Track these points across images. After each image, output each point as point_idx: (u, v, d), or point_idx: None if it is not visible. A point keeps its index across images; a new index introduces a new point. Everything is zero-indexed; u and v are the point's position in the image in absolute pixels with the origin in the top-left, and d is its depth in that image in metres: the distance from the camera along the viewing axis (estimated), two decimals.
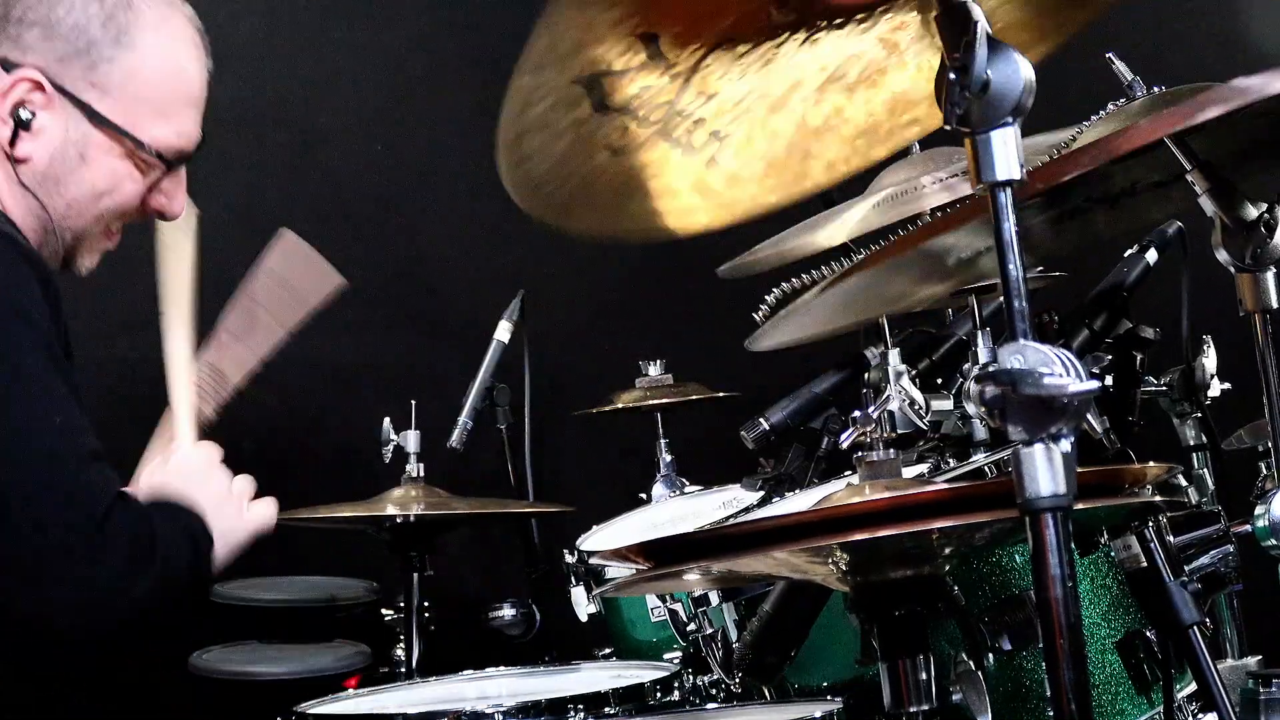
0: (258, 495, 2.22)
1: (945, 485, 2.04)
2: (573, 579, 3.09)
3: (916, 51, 1.82)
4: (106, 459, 1.98)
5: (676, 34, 1.62)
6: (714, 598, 2.41)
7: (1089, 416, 2.01)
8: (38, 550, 1.85)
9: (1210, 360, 2.76)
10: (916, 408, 2.53)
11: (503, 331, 3.85)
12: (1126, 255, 2.57)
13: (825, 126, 1.85)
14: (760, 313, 2.14)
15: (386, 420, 3.55)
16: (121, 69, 2.13)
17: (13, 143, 2.10)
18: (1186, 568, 2.15)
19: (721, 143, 1.80)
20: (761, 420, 2.79)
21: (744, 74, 1.73)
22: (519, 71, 1.59)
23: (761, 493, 2.77)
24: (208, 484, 2.14)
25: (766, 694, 2.41)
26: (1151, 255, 2.57)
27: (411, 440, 3.53)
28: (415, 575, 3.50)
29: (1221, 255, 1.81)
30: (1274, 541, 1.95)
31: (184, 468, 2.17)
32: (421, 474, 3.53)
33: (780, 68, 1.75)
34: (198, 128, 2.27)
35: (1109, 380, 2.33)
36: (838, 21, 1.71)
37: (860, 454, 1.80)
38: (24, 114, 2.10)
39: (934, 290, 2.21)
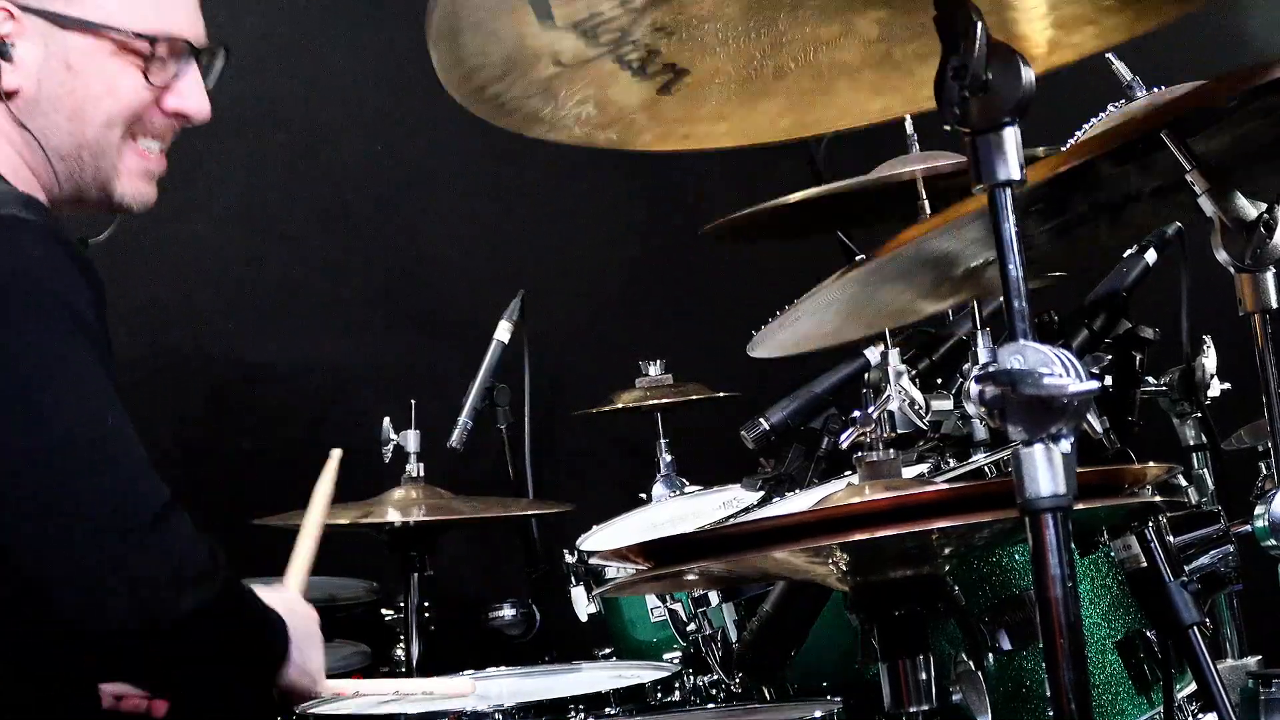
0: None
1: (945, 485, 2.04)
2: (573, 579, 3.09)
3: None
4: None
5: None
6: (714, 598, 2.41)
7: (1089, 416, 2.01)
8: (87, 551, 1.86)
9: (1210, 360, 2.76)
10: (916, 408, 2.53)
11: (503, 331, 3.85)
12: (1126, 256, 2.57)
13: (792, 78, 1.84)
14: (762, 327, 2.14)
15: (386, 420, 3.55)
16: None
17: None
18: (1186, 568, 2.15)
19: (677, 75, 1.78)
20: (761, 420, 2.79)
21: (715, 18, 1.72)
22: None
23: (761, 493, 2.77)
24: (309, 632, 2.19)
25: (766, 694, 2.41)
26: (1151, 255, 2.57)
27: (411, 440, 3.53)
28: (415, 575, 3.50)
29: (1221, 255, 1.81)
30: (1274, 541, 1.95)
31: (297, 609, 2.21)
32: (421, 474, 3.53)
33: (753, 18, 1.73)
34: (191, 19, 2.22)
35: (1109, 380, 2.33)
36: None
37: (860, 454, 1.80)
38: (2, 48, 2.07)
39: (943, 302, 2.21)
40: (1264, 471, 2.66)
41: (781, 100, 1.87)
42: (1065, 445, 1.38)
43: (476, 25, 1.63)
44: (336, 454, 2.62)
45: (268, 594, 2.18)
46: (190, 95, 2.20)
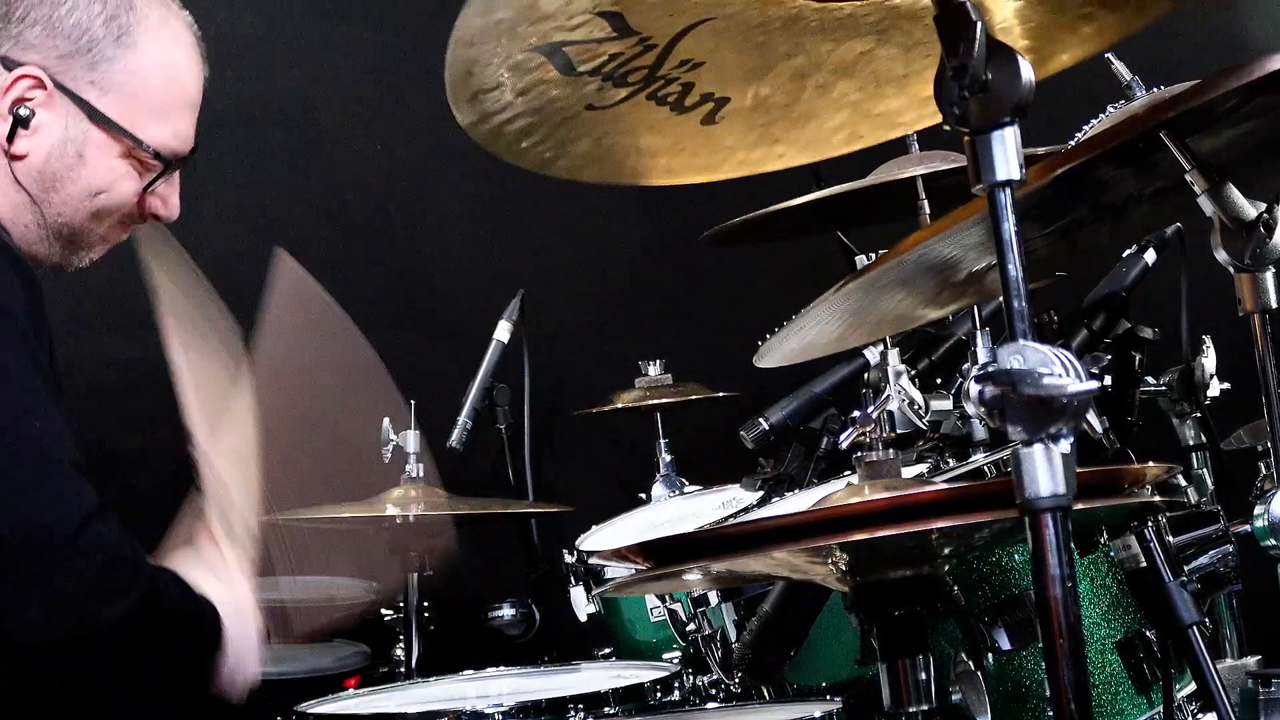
0: None
1: (945, 485, 2.04)
2: (572, 579, 3.09)
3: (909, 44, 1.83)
4: (86, 470, 1.95)
5: (647, 9, 1.62)
6: (714, 598, 2.41)
7: (1089, 416, 2.01)
8: (7, 555, 1.83)
9: (1210, 360, 2.76)
10: (916, 408, 2.53)
11: (503, 331, 3.86)
12: (1125, 256, 2.57)
13: (818, 103, 1.87)
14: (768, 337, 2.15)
15: (386, 420, 3.55)
16: (123, 68, 2.14)
17: (10, 139, 2.10)
18: (1186, 568, 2.15)
19: (718, 105, 1.82)
20: (761, 420, 2.79)
21: (736, 48, 1.74)
22: (456, 43, 1.59)
23: (761, 493, 2.77)
24: (243, 606, 2.12)
25: (766, 694, 2.41)
26: (1150, 255, 2.57)
27: (411, 440, 3.53)
28: (415, 575, 3.50)
29: (1221, 255, 1.81)
30: (1274, 541, 1.95)
31: (226, 578, 2.14)
32: (421, 474, 3.53)
33: (774, 43, 1.76)
34: (193, 132, 2.26)
35: (1109, 380, 2.33)
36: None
37: (860, 454, 1.80)
38: (23, 111, 2.10)
39: (945, 308, 2.22)
40: (1264, 471, 2.66)
41: (834, 115, 1.89)
42: (1065, 445, 1.38)
43: (496, 84, 1.65)
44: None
45: (206, 575, 2.11)
46: (169, 201, 2.25)
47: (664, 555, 1.72)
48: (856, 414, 1.80)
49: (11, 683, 1.94)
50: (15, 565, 1.84)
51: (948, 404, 2.53)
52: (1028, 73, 1.45)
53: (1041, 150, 2.56)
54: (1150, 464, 1.80)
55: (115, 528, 1.93)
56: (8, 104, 2.10)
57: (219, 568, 2.14)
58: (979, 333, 2.52)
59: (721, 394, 3.79)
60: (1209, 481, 2.93)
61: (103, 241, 2.23)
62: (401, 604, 3.56)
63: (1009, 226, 1.44)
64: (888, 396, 2.56)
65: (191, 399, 2.30)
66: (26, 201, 2.12)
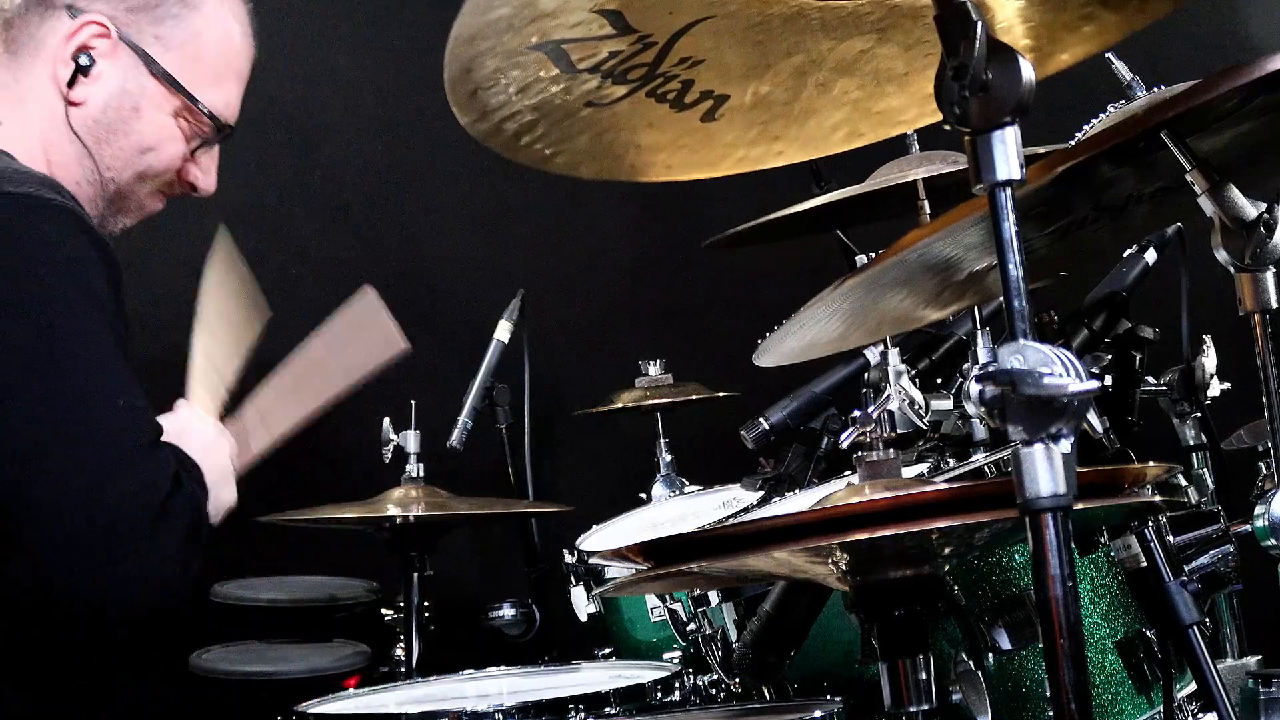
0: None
1: (945, 485, 2.04)
2: (573, 579, 3.09)
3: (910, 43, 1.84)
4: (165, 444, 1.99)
5: (647, 7, 1.63)
6: (714, 598, 2.41)
7: (1089, 416, 2.01)
8: (101, 534, 1.85)
9: (1210, 360, 2.76)
10: (916, 408, 2.53)
11: (503, 331, 3.86)
12: (1126, 255, 2.58)
13: (818, 100, 1.87)
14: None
15: (386, 420, 3.55)
16: (186, 28, 2.17)
17: (71, 85, 2.12)
18: (1186, 568, 2.15)
19: (718, 102, 1.82)
20: (761, 420, 2.79)
21: (736, 45, 1.75)
22: (455, 41, 1.59)
23: (761, 493, 2.77)
24: (215, 453, 2.16)
25: (766, 694, 2.41)
26: (1151, 255, 2.57)
27: (411, 440, 3.53)
28: (415, 575, 3.50)
29: (1221, 255, 1.81)
30: (1274, 541, 1.95)
31: (202, 432, 2.18)
32: (421, 474, 3.53)
33: (774, 41, 1.76)
34: (238, 106, 2.29)
35: (1109, 380, 2.33)
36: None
37: (860, 454, 1.80)
38: (84, 59, 2.12)
39: (946, 308, 2.22)
40: (1264, 471, 2.66)
41: (834, 113, 1.90)
42: (1065, 445, 1.38)
43: (495, 82, 1.65)
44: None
45: (174, 425, 2.13)
46: (209, 172, 2.29)
47: (664, 555, 1.72)
48: (857, 414, 1.80)
49: (11, 683, 1.95)
50: (108, 546, 1.85)
51: (948, 404, 2.54)
52: (1028, 72, 1.45)
53: (1042, 150, 2.56)
54: (1150, 464, 1.80)
55: (191, 492, 1.96)
56: (71, 50, 2.12)
57: (186, 417, 2.19)
58: (979, 333, 2.52)
59: (721, 394, 3.80)
60: (1209, 481, 2.94)
61: (139, 209, 2.24)
62: (402, 604, 3.56)
63: (1009, 226, 1.44)
64: (888, 396, 2.56)
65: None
66: (81, 153, 2.14)
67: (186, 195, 2.30)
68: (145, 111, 2.16)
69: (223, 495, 2.13)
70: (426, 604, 3.52)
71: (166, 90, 2.17)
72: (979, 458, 2.32)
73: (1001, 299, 1.47)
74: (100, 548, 1.85)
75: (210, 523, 2.07)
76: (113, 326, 1.96)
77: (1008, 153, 1.45)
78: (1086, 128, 2.50)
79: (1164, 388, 2.82)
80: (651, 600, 2.93)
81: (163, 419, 2.10)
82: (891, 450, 1.80)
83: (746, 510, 2.72)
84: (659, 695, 2.46)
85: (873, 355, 2.71)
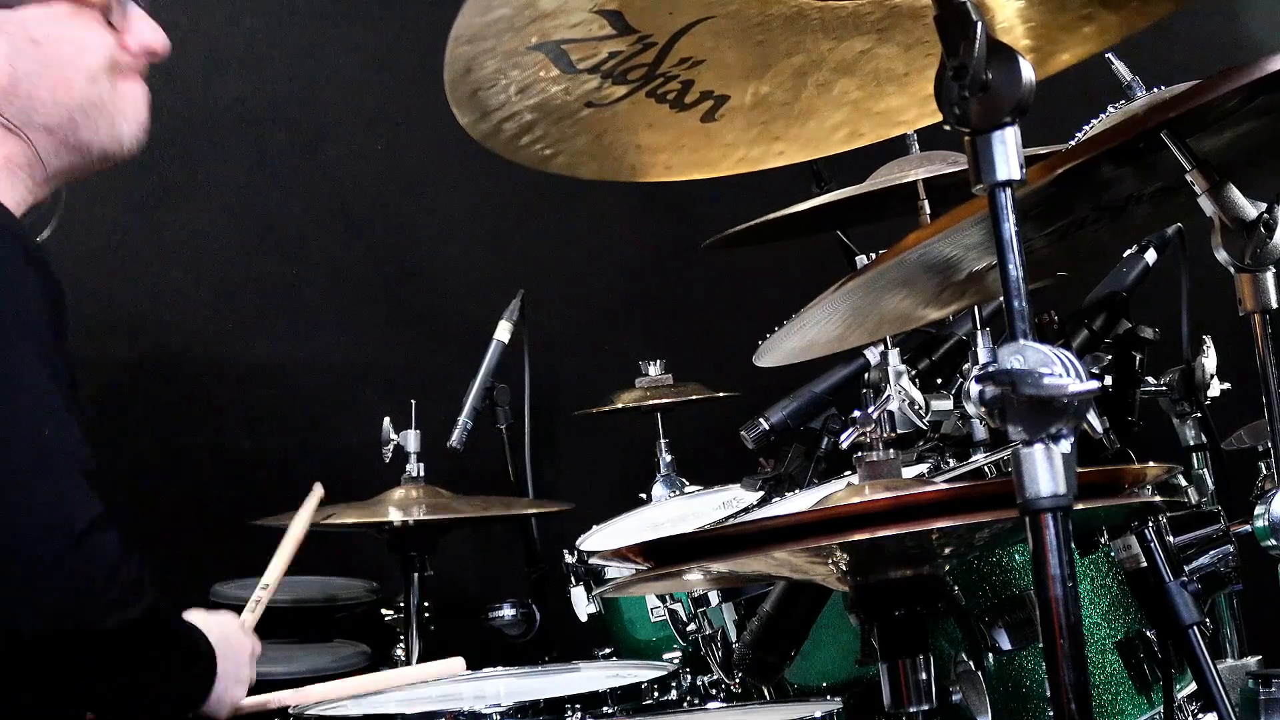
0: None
1: (945, 485, 2.04)
2: (573, 579, 3.09)
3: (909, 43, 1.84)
4: (100, 476, 1.95)
5: (647, 7, 1.63)
6: (714, 598, 2.41)
7: (1089, 416, 2.01)
8: (10, 559, 1.84)
9: (1210, 360, 2.76)
10: (916, 408, 2.53)
11: (503, 331, 3.86)
12: (1126, 256, 2.58)
13: (818, 100, 1.88)
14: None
15: (386, 420, 3.55)
16: None
17: None
18: (1186, 568, 2.15)
19: (718, 102, 1.82)
20: (761, 420, 2.80)
21: (736, 46, 1.75)
22: (455, 41, 1.58)
23: (761, 493, 2.78)
24: (237, 650, 2.19)
25: (766, 694, 2.41)
26: (1151, 256, 2.57)
27: (411, 440, 3.53)
28: (415, 575, 3.50)
29: (1221, 255, 1.81)
30: (1274, 541, 1.95)
31: (230, 636, 2.21)
32: (421, 474, 3.53)
33: (774, 41, 1.76)
34: None
35: (1109, 380, 2.33)
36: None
37: (860, 454, 1.80)
38: None
39: (946, 308, 2.22)
40: (1264, 471, 2.66)
41: (834, 113, 1.90)
42: (1065, 445, 1.38)
43: (495, 82, 1.65)
44: (318, 490, 2.64)
45: (205, 619, 2.18)
46: (146, 29, 2.16)
47: (664, 555, 1.72)
48: (857, 414, 1.80)
49: (10, 683, 1.94)
50: (16, 572, 1.85)
51: (948, 404, 2.54)
52: (1028, 73, 1.45)
53: (1042, 150, 2.56)
54: (1151, 464, 1.80)
55: (118, 540, 1.93)
56: None
57: (224, 627, 2.22)
58: (979, 333, 2.52)
59: (721, 394, 3.80)
60: (1209, 481, 2.94)
61: (122, 102, 2.14)
62: (402, 604, 3.56)
63: (1009, 226, 1.44)
64: (888, 396, 2.57)
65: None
66: (11, 132, 2.06)
67: (152, 62, 2.19)
68: (41, 36, 2.06)
69: (231, 691, 2.17)
70: (426, 604, 3.52)
71: (41, 4, 2.06)
72: (979, 458, 2.32)
73: (1001, 299, 1.47)
74: (6, 575, 1.84)
75: (203, 705, 2.11)
76: (45, 356, 1.93)
77: (1008, 153, 1.45)
78: (1086, 128, 2.50)
79: (1164, 388, 2.82)
80: (651, 600, 2.93)
81: (198, 615, 2.16)
82: (891, 450, 1.80)
83: (746, 510, 2.72)
84: (658, 695, 2.46)
85: (873, 355, 2.71)
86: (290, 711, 2.44)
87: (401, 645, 3.59)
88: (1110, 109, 2.52)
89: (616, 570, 2.86)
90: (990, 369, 1.39)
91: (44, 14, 2.07)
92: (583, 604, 3.07)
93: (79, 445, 1.94)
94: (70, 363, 2.06)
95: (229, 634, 2.20)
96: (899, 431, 2.52)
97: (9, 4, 2.06)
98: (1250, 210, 1.78)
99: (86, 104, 2.11)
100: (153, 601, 1.96)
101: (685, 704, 2.51)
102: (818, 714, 2.11)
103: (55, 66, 2.08)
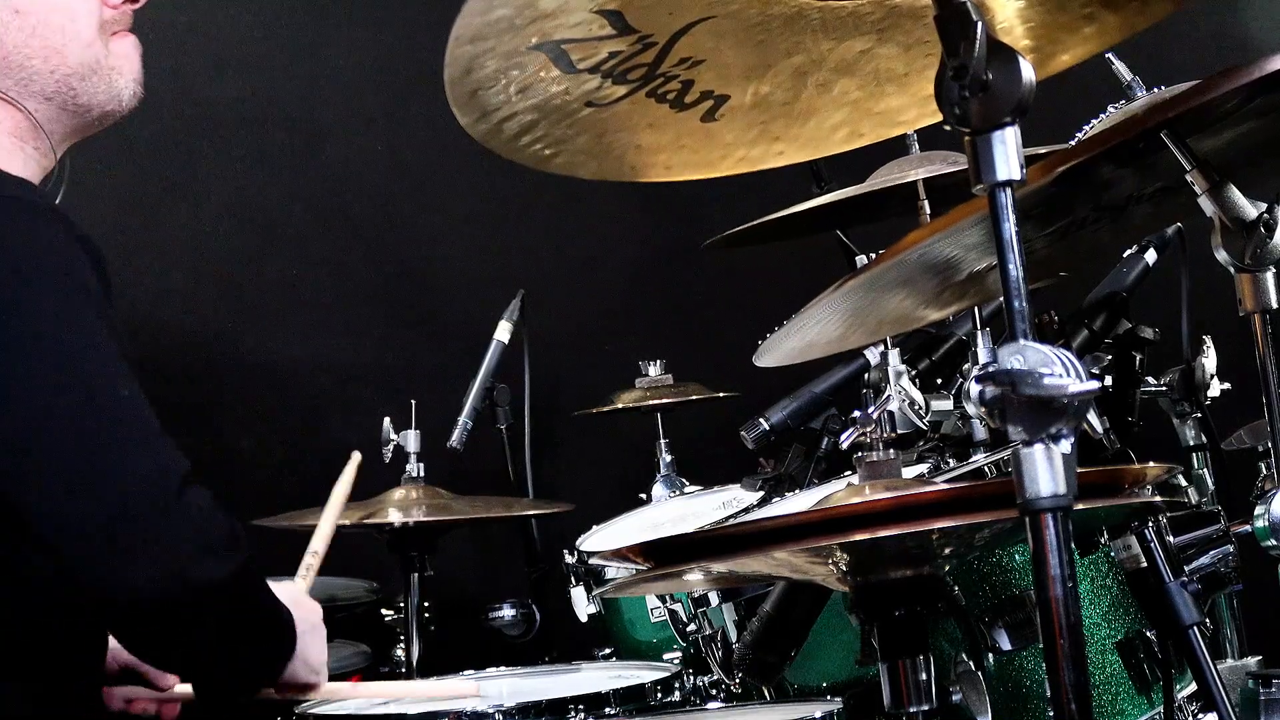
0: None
1: (945, 485, 2.04)
2: (573, 579, 3.09)
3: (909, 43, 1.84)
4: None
5: (647, 7, 1.63)
6: (714, 598, 2.41)
7: (1089, 416, 2.01)
8: (114, 519, 1.83)
9: (1210, 360, 2.76)
10: (916, 408, 2.53)
11: (503, 331, 3.85)
12: (1126, 256, 2.58)
13: (818, 100, 1.88)
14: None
15: (386, 420, 3.55)
16: None
17: None
18: (1186, 568, 2.15)
19: (718, 102, 1.82)
20: (761, 420, 2.80)
21: (736, 46, 1.75)
22: (455, 41, 1.58)
23: (761, 493, 2.78)
24: (316, 633, 2.18)
25: (766, 694, 2.41)
26: (1151, 256, 2.57)
27: (411, 440, 3.53)
28: (415, 575, 3.50)
29: (1221, 255, 1.81)
30: (1274, 541, 1.95)
31: (303, 603, 2.20)
32: (421, 474, 3.53)
33: (774, 41, 1.76)
34: None
35: (1109, 380, 2.33)
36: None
37: (860, 454, 1.80)
38: None
39: (946, 309, 2.22)
40: (1264, 471, 2.66)
41: (834, 113, 1.90)
42: (1065, 445, 1.38)
43: (495, 82, 1.65)
44: (356, 457, 2.64)
45: (276, 587, 2.17)
46: None
47: (664, 555, 1.72)
48: (857, 414, 1.80)
49: (10, 682, 1.95)
50: (121, 532, 1.84)
51: (948, 404, 2.54)
52: (1028, 73, 1.45)
53: (1042, 150, 2.56)
54: (1151, 464, 1.80)
55: (209, 494, 1.94)
56: None
57: (284, 586, 2.20)
58: (979, 333, 2.52)
59: (721, 394, 3.79)
60: (1209, 482, 2.94)
61: (117, 60, 2.11)
62: (402, 604, 3.56)
63: (1009, 227, 1.44)
64: (888, 397, 2.57)
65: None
66: (19, 118, 2.05)
67: (134, 8, 2.13)
68: (24, 5, 2.03)
69: (306, 677, 2.13)
70: (427, 604, 3.52)
71: None
72: (979, 458, 2.32)
73: (1001, 299, 1.47)
74: (109, 534, 1.83)
75: (277, 681, 2.09)
76: (108, 320, 1.95)
77: (1008, 153, 1.45)
78: (1086, 128, 2.50)
79: (1164, 388, 2.82)
80: (651, 601, 2.93)
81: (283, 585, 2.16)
82: (891, 450, 1.80)
83: (747, 510, 2.72)
84: (659, 696, 2.46)
85: (873, 355, 2.71)
86: (299, 710, 2.45)
87: (401, 646, 3.58)
88: (1110, 109, 2.52)
89: (616, 570, 2.86)
90: (990, 369, 1.39)
91: None
92: (583, 604, 3.07)
93: (149, 406, 1.95)
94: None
95: (307, 608, 2.18)
96: (899, 432, 2.52)
97: None
98: (1250, 210, 1.78)
99: (83, 69, 2.08)
100: (246, 559, 1.96)
101: (687, 704, 2.52)
102: (818, 714, 2.11)
103: (44, 35, 2.05)
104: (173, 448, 1.92)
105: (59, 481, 1.84)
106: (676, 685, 2.53)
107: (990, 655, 2.10)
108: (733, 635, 2.38)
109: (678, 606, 2.62)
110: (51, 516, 1.84)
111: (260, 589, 2.04)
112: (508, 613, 3.53)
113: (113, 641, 2.08)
